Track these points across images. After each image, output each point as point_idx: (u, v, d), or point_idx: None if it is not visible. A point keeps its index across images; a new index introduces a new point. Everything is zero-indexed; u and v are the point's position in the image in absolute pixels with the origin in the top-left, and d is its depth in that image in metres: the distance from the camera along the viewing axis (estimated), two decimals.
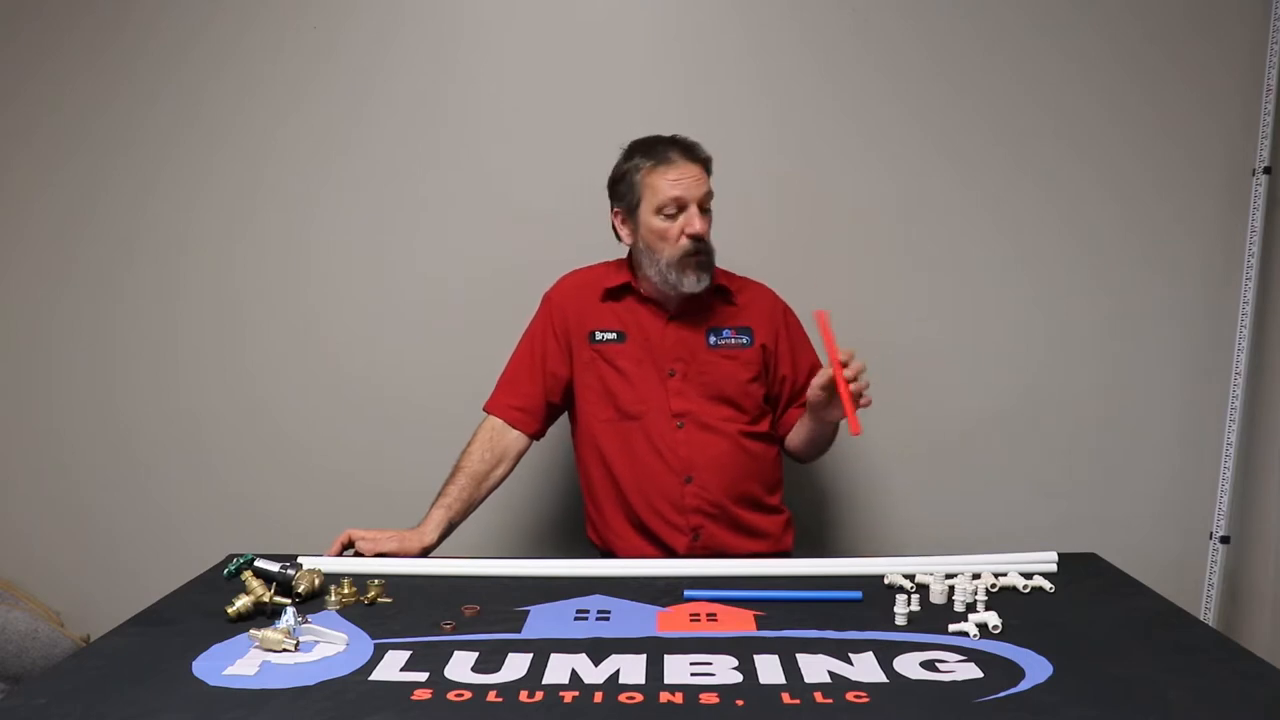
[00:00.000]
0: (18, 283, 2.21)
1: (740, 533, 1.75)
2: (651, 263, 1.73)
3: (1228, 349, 2.11)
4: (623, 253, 1.84)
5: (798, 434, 1.81)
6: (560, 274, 1.87)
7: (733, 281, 1.82)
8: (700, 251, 1.70)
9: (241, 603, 1.27)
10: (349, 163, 2.15)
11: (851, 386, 1.52)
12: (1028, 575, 1.45)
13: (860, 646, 1.19)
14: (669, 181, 1.69)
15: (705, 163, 1.73)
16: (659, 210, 1.70)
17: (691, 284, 1.71)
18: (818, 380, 1.62)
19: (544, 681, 1.09)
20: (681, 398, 1.75)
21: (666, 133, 1.76)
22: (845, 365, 1.53)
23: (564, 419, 1.87)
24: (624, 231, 1.78)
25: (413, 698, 1.05)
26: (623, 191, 1.75)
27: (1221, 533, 2.12)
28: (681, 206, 1.69)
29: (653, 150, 1.72)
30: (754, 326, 1.79)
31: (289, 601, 1.27)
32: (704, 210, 1.71)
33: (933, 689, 1.08)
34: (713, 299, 1.79)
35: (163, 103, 2.15)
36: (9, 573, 2.24)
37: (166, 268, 2.19)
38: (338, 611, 1.33)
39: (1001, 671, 1.12)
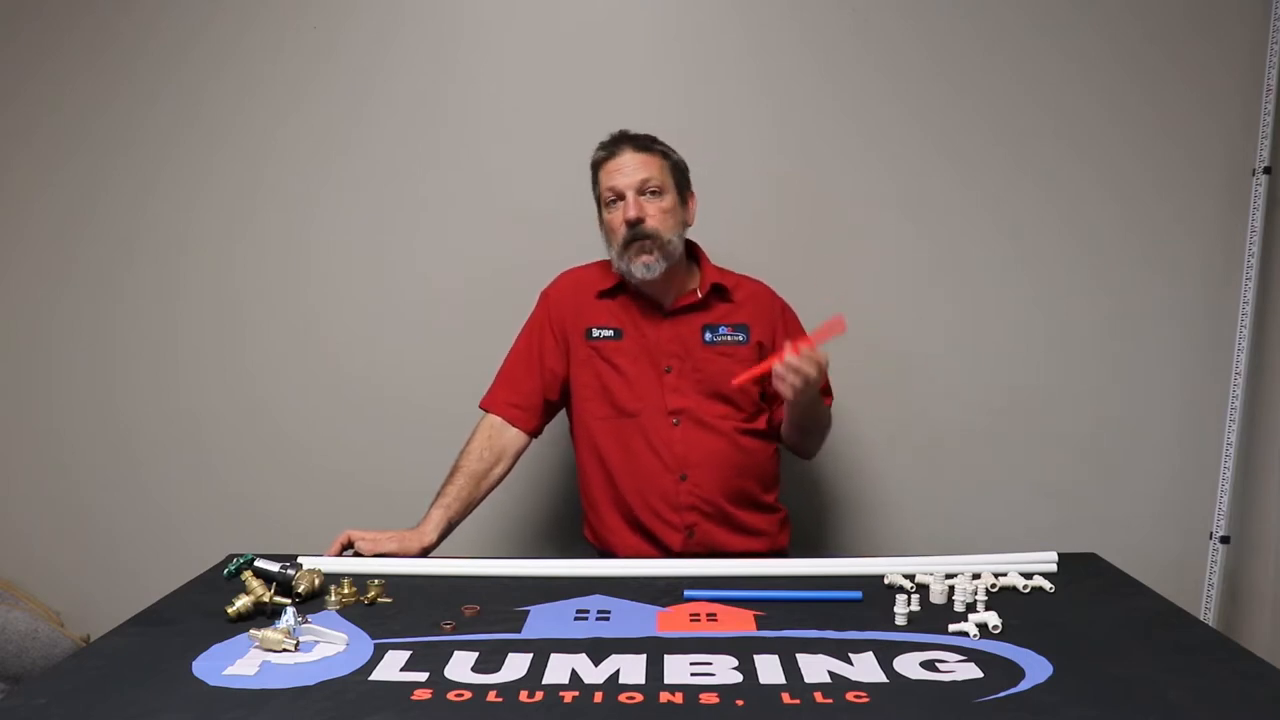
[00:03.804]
0: (18, 283, 2.21)
1: (734, 530, 1.75)
2: (611, 255, 1.76)
3: (1228, 349, 2.11)
4: None
5: (786, 424, 1.80)
6: (559, 273, 1.87)
7: (728, 278, 1.82)
8: (640, 236, 1.69)
9: (241, 603, 1.27)
10: (349, 163, 2.15)
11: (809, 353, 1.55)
12: (1028, 575, 1.45)
13: (860, 646, 1.19)
14: (607, 173, 1.73)
15: (650, 150, 1.73)
16: (605, 203, 1.74)
17: (640, 270, 1.71)
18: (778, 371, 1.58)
19: (544, 681, 1.09)
20: (678, 395, 1.75)
21: (667, 132, 1.77)
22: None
23: (562, 417, 1.87)
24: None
25: (413, 698, 1.05)
26: (593, 188, 1.79)
27: (1221, 533, 2.12)
28: (619, 195, 1.71)
29: (603, 146, 1.76)
30: (750, 324, 1.79)
31: (289, 601, 1.27)
32: (650, 195, 1.70)
33: (933, 689, 1.08)
34: (709, 296, 1.79)
35: (163, 103, 2.15)
36: (9, 573, 2.24)
37: (166, 268, 2.19)
38: (338, 611, 1.33)
39: (1001, 671, 1.12)
